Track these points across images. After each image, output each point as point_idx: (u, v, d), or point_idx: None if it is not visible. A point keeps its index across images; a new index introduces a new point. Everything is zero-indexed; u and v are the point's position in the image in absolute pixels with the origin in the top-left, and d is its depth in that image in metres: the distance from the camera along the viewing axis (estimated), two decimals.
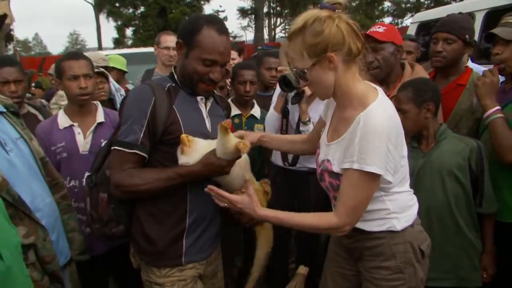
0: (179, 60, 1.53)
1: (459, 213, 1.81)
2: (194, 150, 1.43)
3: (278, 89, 2.52)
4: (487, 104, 1.85)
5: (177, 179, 1.41)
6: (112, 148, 1.44)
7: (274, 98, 2.52)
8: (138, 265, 1.60)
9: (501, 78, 2.05)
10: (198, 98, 1.56)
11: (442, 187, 1.81)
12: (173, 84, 1.53)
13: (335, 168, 1.36)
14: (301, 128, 2.34)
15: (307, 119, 2.34)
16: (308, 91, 2.27)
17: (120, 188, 1.41)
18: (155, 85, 1.49)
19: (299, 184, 2.51)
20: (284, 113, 2.44)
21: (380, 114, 1.26)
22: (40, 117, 1.73)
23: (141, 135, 1.41)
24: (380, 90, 1.36)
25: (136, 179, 1.40)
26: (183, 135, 1.42)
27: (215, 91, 3.01)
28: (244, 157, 1.54)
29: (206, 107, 1.59)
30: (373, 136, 1.23)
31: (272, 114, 2.46)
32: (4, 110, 1.56)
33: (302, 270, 2.44)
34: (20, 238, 1.41)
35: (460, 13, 2.41)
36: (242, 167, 1.56)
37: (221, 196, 1.39)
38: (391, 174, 1.30)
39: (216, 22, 1.47)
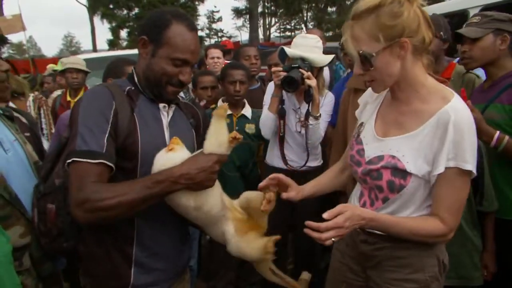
0: (142, 60, 1.34)
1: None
2: (182, 152, 1.26)
3: (269, 89, 2.50)
4: (486, 139, 1.80)
5: (154, 188, 1.16)
6: (69, 161, 1.17)
7: (267, 100, 2.50)
8: (84, 285, 1.45)
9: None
10: (161, 105, 1.37)
11: None
12: (133, 88, 1.34)
13: (409, 167, 1.22)
14: (310, 122, 2.31)
15: (319, 114, 2.32)
16: (313, 83, 2.24)
17: (86, 205, 1.12)
18: (114, 88, 1.30)
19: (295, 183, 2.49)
20: (281, 114, 2.41)
21: (466, 109, 1.19)
22: (23, 119, 1.70)
23: (106, 142, 1.18)
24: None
25: (105, 192, 1.13)
26: (176, 138, 1.28)
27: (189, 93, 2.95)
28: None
29: (168, 116, 1.39)
30: (468, 131, 1.16)
31: (268, 116, 2.42)
32: (1, 112, 1.57)
33: (306, 276, 2.41)
34: (17, 238, 1.42)
35: (433, 14, 2.49)
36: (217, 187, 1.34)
37: (323, 227, 1.11)
38: None
39: (185, 17, 1.33)
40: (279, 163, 2.49)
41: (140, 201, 1.16)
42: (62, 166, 1.36)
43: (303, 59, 2.32)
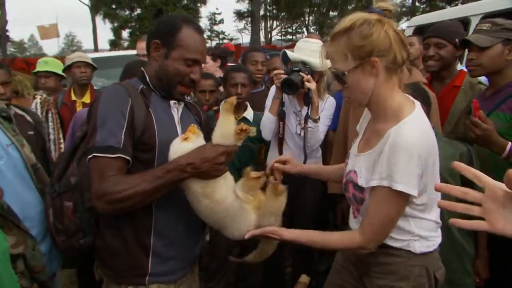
0: (154, 62, 1.42)
1: (450, 218, 1.78)
2: (195, 141, 1.30)
3: (272, 91, 2.52)
4: (497, 150, 1.76)
5: (164, 176, 1.23)
6: (90, 156, 1.25)
7: (268, 102, 2.51)
8: (100, 278, 1.50)
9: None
10: (171, 102, 1.45)
11: None
12: (145, 87, 1.42)
13: (361, 181, 1.31)
14: (309, 125, 2.33)
15: (318, 117, 2.34)
16: (313, 86, 2.27)
17: (105, 197, 1.21)
18: (128, 86, 1.37)
19: (295, 188, 2.49)
20: (281, 116, 2.43)
21: (411, 130, 1.20)
22: (28, 118, 1.70)
23: (123, 137, 1.26)
24: (418, 104, 1.31)
25: (121, 184, 1.22)
26: (194, 125, 1.34)
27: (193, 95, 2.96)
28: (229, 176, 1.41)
29: (178, 113, 1.48)
30: (402, 154, 1.18)
31: (268, 117, 2.44)
32: None
33: (304, 279, 2.41)
34: (9, 248, 1.39)
35: (453, 21, 2.49)
36: (228, 179, 1.40)
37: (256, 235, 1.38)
38: (422, 195, 1.26)
39: (193, 21, 1.43)
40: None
41: (153, 190, 1.24)
42: (77, 165, 1.44)
43: (304, 63, 2.36)
